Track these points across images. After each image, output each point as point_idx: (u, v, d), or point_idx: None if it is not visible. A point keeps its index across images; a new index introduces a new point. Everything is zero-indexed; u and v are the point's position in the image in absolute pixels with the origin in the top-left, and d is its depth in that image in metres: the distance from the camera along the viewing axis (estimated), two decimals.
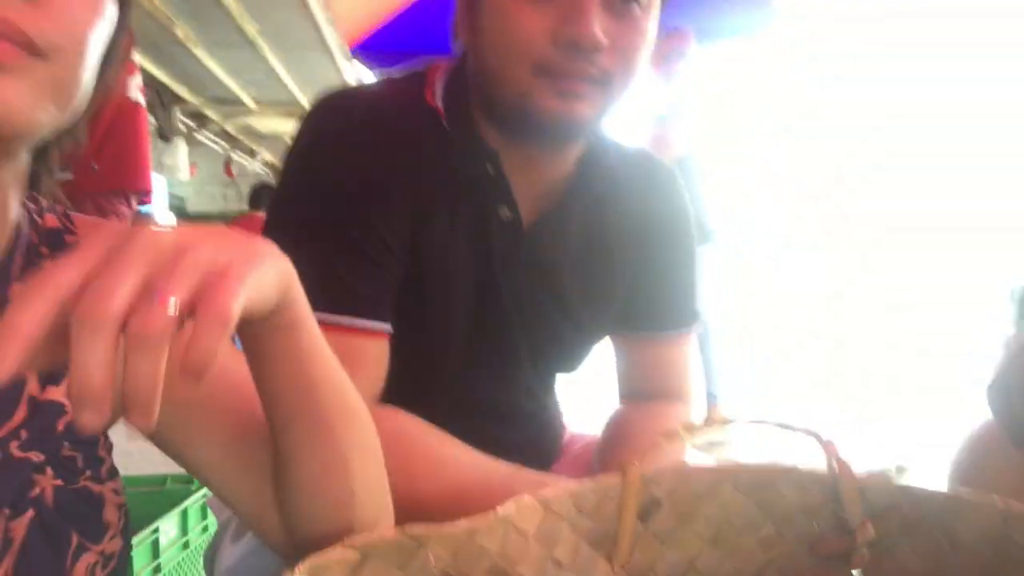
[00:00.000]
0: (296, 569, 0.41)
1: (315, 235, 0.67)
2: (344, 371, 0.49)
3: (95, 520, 0.49)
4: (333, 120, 0.71)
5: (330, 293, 0.64)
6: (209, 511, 1.53)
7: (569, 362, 0.86)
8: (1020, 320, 3.52)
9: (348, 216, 0.67)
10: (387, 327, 0.70)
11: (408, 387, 0.71)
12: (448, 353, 0.76)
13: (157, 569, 1.35)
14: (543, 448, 0.90)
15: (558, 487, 0.52)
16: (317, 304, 0.44)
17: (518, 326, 0.77)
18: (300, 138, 0.72)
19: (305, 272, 0.41)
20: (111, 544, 0.50)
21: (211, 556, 0.80)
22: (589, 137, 0.76)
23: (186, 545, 1.47)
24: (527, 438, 0.86)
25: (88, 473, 0.49)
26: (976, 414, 0.59)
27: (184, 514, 1.47)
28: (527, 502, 0.50)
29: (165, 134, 5.88)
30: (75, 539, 0.47)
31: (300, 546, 0.50)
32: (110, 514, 0.50)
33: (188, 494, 1.51)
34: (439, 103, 0.73)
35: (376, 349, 0.69)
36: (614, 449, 0.82)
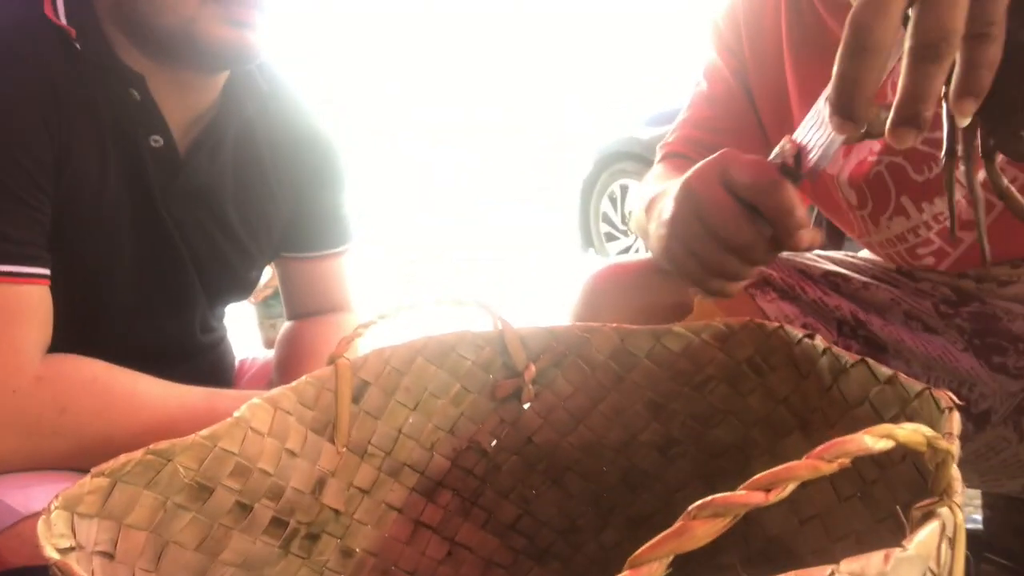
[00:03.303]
0: (50, 505, 0.41)
1: None
2: None
3: None
4: None
5: None
6: None
7: (240, 290, 0.88)
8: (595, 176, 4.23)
9: None
10: (47, 271, 0.65)
11: (72, 336, 0.68)
12: (115, 294, 0.73)
13: None
14: (219, 379, 0.92)
15: (281, 388, 0.57)
16: None
17: (188, 258, 0.77)
18: None
19: None
20: None
21: None
22: None
23: None
24: (204, 372, 0.87)
25: None
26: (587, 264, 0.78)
27: None
28: (258, 404, 0.54)
29: None
30: None
31: None
32: None
33: None
34: (63, 20, 0.67)
35: (39, 296, 0.64)
36: (294, 361, 0.87)
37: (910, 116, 0.38)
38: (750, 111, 0.80)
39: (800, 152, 0.52)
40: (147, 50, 0.69)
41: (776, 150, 0.54)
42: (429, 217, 5.32)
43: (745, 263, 0.55)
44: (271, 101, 0.81)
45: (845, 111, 0.40)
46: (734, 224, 0.53)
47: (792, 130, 0.55)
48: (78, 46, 0.67)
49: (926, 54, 0.37)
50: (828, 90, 0.49)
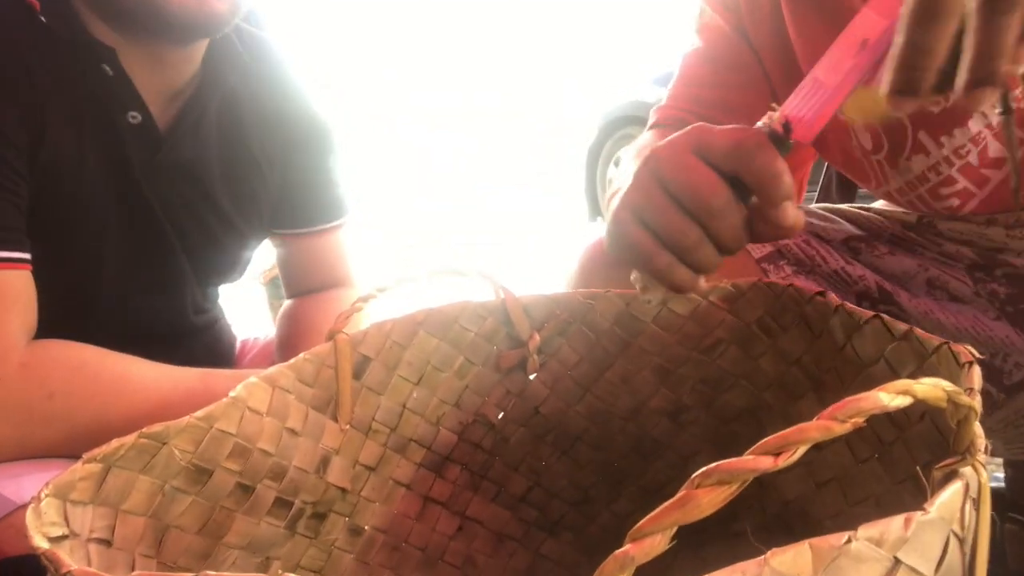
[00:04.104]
0: (40, 493, 0.40)
1: None
2: None
3: None
4: None
5: None
6: None
7: (231, 270, 0.86)
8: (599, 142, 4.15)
9: None
10: (27, 256, 0.64)
11: (63, 321, 0.67)
12: (102, 276, 0.72)
13: None
14: (217, 361, 0.90)
15: (279, 366, 0.55)
16: None
17: (175, 237, 0.75)
18: None
19: None
20: None
21: None
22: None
23: None
24: (199, 354, 0.85)
25: None
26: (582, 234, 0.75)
27: None
28: (255, 383, 0.53)
29: None
30: None
31: None
32: None
33: None
34: None
35: (20, 280, 0.63)
36: (295, 339, 0.85)
37: (987, 75, 0.35)
38: (755, 62, 0.76)
39: (789, 121, 0.45)
40: (114, 23, 0.66)
41: (762, 120, 0.46)
42: (427, 202, 5.29)
43: (709, 239, 0.44)
44: (253, 71, 0.79)
45: (911, 86, 0.36)
46: (706, 185, 0.43)
47: None
48: (44, 20, 0.65)
49: (999, 6, 0.34)
50: (825, 61, 0.44)
